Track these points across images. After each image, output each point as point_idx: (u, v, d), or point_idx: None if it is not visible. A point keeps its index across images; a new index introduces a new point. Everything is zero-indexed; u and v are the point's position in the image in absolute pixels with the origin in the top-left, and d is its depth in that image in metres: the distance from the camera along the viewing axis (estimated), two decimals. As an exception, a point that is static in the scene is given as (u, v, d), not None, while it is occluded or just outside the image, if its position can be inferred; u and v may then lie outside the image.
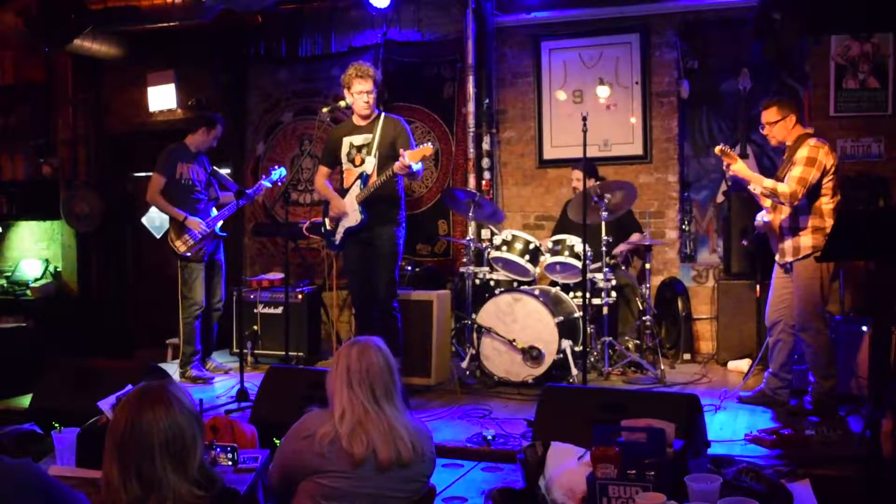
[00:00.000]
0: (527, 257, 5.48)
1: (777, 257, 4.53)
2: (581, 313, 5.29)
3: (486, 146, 6.79)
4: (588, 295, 5.23)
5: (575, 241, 5.41)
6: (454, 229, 6.98)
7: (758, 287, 5.68)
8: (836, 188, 4.31)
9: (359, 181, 4.90)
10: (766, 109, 4.45)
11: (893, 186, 5.91)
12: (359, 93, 4.90)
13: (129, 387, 2.48)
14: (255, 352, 6.21)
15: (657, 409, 3.06)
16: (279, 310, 6.15)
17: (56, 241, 8.12)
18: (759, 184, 4.36)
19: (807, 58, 6.16)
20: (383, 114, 5.02)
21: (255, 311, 6.32)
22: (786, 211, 4.38)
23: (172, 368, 5.70)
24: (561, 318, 5.21)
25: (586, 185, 5.44)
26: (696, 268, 6.49)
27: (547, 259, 5.52)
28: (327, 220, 5.11)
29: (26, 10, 7.00)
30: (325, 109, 5.15)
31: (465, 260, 5.75)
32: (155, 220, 7.56)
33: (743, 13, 6.07)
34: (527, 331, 5.20)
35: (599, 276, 5.40)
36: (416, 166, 4.75)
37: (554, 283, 5.74)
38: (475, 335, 5.40)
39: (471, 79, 6.68)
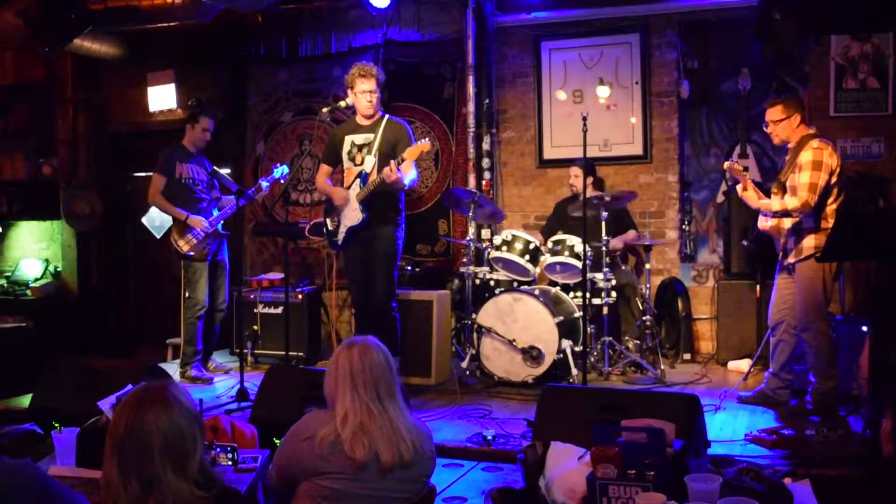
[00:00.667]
0: (527, 257, 5.48)
1: (780, 258, 4.53)
2: (581, 313, 5.29)
3: (486, 146, 6.79)
4: (588, 295, 5.23)
5: (575, 241, 5.42)
6: (454, 229, 6.98)
7: (758, 287, 5.69)
8: (840, 189, 4.31)
9: (358, 180, 4.92)
10: (772, 107, 4.46)
11: (893, 186, 5.91)
12: (362, 92, 4.90)
13: (129, 387, 2.48)
14: (255, 352, 6.21)
15: (657, 409, 3.05)
16: (279, 310, 6.16)
17: (56, 241, 8.12)
18: (768, 209, 4.40)
19: (807, 58, 6.16)
20: (387, 116, 5.03)
21: (255, 311, 6.32)
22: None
23: (172, 368, 5.71)
24: (561, 318, 5.22)
25: (586, 186, 5.43)
26: (696, 268, 6.49)
27: (547, 259, 5.52)
28: (329, 220, 5.12)
29: (26, 10, 7.00)
30: (325, 109, 5.14)
31: (465, 260, 5.76)
32: (155, 220, 7.56)
33: (743, 13, 6.07)
34: (527, 331, 5.20)
35: (599, 276, 5.40)
36: (410, 176, 4.80)
37: (554, 283, 5.74)
38: (475, 335, 5.40)
39: (471, 79, 6.68)
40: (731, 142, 6.30)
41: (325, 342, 6.71)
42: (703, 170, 6.48)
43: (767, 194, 4.53)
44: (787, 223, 4.40)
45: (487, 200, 5.81)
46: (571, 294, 5.66)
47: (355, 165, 4.97)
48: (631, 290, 5.83)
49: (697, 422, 3.19)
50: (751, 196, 4.48)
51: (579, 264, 5.26)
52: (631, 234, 6.04)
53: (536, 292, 5.30)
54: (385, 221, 4.91)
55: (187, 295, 5.65)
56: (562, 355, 5.18)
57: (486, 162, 6.80)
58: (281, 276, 6.29)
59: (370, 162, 4.89)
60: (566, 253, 5.43)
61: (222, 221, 5.74)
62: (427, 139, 4.76)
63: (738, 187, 4.57)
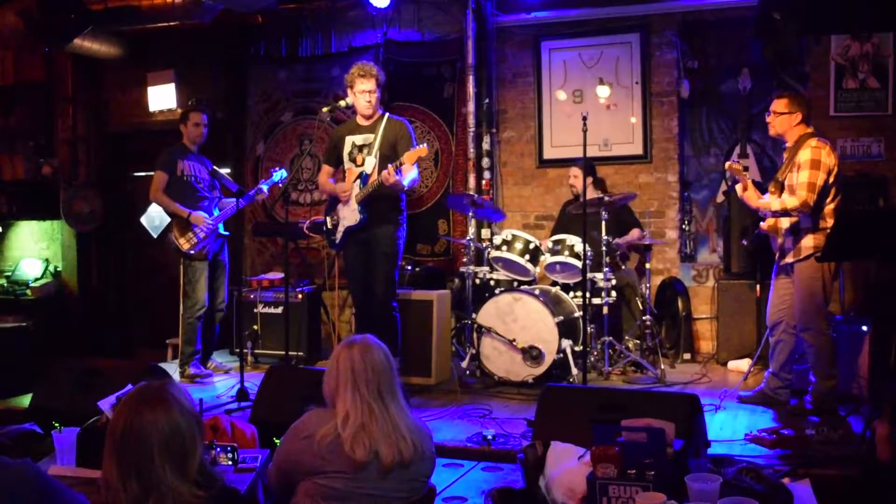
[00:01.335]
0: (527, 257, 5.48)
1: (778, 258, 4.53)
2: (581, 313, 5.29)
3: (486, 146, 6.80)
4: (588, 295, 5.23)
5: (575, 241, 5.42)
6: (454, 229, 6.98)
7: (758, 287, 5.68)
8: (838, 188, 4.31)
9: (358, 181, 4.90)
10: (778, 99, 4.48)
11: (893, 186, 5.92)
12: (361, 92, 4.89)
13: (129, 387, 2.48)
14: (255, 352, 6.21)
15: (657, 409, 3.05)
16: (279, 310, 6.15)
17: (56, 241, 8.12)
18: (767, 209, 4.40)
19: (807, 58, 6.16)
20: (387, 115, 5.01)
21: (255, 310, 6.32)
22: (787, 211, 4.39)
23: (172, 368, 5.70)
24: (561, 317, 5.21)
25: (585, 186, 5.43)
26: (696, 267, 6.50)
27: (547, 259, 5.52)
28: (328, 219, 5.12)
29: (26, 10, 7.00)
30: (325, 109, 5.13)
31: (465, 260, 5.76)
32: (155, 219, 7.56)
33: (743, 13, 6.07)
34: (527, 330, 5.20)
35: (599, 275, 5.40)
36: (410, 176, 4.78)
37: (554, 283, 5.74)
38: (475, 335, 5.40)
39: (471, 79, 6.68)
40: (731, 142, 6.30)
41: (325, 342, 6.71)
42: (703, 170, 6.48)
43: (765, 193, 4.53)
44: (785, 223, 4.40)
45: (487, 202, 5.80)
46: (571, 294, 5.66)
47: (356, 166, 4.96)
48: (631, 290, 5.83)
49: (697, 422, 3.18)
50: (751, 196, 4.50)
51: (579, 264, 5.26)
52: (635, 232, 6.03)
53: (536, 292, 5.30)
54: (385, 222, 4.90)
55: (187, 294, 5.65)
56: (562, 355, 5.18)
57: (486, 162, 6.80)
58: (281, 276, 6.29)
59: (370, 163, 4.88)
60: (566, 253, 5.43)
61: (223, 222, 5.75)
62: (424, 144, 4.73)
63: (738, 187, 4.58)
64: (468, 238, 5.90)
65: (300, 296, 6.28)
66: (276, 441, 2.59)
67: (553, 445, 2.91)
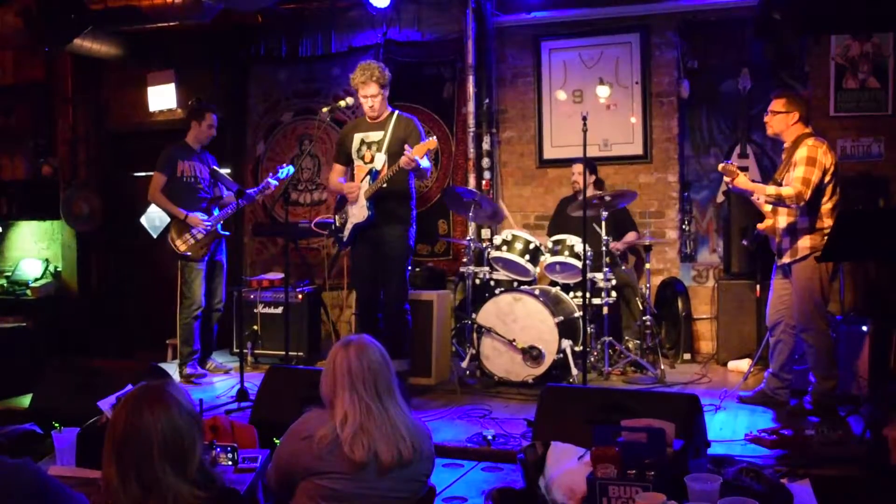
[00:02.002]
0: (527, 257, 5.48)
1: (776, 258, 4.53)
2: (581, 313, 5.29)
3: (486, 146, 6.80)
4: (588, 295, 5.23)
5: (575, 241, 5.42)
6: (454, 229, 6.98)
7: (758, 287, 5.68)
8: (835, 188, 4.30)
9: (368, 177, 4.82)
10: (777, 98, 4.47)
11: (893, 186, 5.91)
12: (364, 97, 4.85)
13: (129, 387, 2.47)
14: (255, 352, 6.21)
15: (657, 409, 3.05)
16: (279, 310, 6.15)
17: (56, 241, 8.12)
18: (762, 193, 4.35)
19: (807, 58, 6.16)
20: (396, 112, 4.95)
21: (255, 311, 6.32)
22: (784, 213, 4.38)
23: (172, 368, 5.71)
24: (561, 317, 5.21)
25: (586, 185, 5.44)
26: (696, 268, 6.49)
27: (547, 259, 5.52)
28: (337, 217, 5.05)
29: (26, 10, 7.00)
30: (325, 109, 5.13)
31: (465, 260, 5.75)
32: (155, 219, 7.56)
33: (743, 13, 6.08)
34: (527, 331, 5.20)
35: (599, 276, 5.40)
36: (424, 163, 4.69)
37: (554, 283, 5.74)
38: (475, 335, 5.40)
39: (471, 79, 6.68)
40: (731, 142, 6.30)
41: (325, 342, 6.71)
42: (703, 170, 6.48)
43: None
44: (783, 222, 4.39)
45: (488, 200, 5.80)
46: (571, 294, 5.66)
47: (365, 163, 4.89)
48: (631, 290, 5.84)
49: (697, 422, 3.18)
50: (742, 181, 4.38)
51: (579, 264, 5.26)
52: (631, 235, 6.05)
53: (536, 292, 5.30)
54: (394, 220, 4.83)
55: (183, 294, 5.65)
56: (562, 355, 5.18)
57: (486, 162, 6.80)
58: (281, 276, 6.29)
59: (380, 159, 4.81)
60: (566, 253, 5.43)
61: (222, 222, 5.74)
62: (433, 136, 4.70)
63: (727, 179, 4.49)
64: (468, 238, 5.90)
65: (300, 296, 6.27)
66: (276, 441, 2.59)
67: (553, 446, 2.91)
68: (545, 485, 2.76)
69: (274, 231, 7.29)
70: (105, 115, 8.10)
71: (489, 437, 3.98)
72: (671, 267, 6.52)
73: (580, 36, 6.69)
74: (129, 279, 8.08)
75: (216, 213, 5.72)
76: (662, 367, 5.40)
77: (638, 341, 5.75)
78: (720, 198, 6.36)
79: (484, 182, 6.79)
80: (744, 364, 5.54)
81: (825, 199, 4.28)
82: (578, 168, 5.97)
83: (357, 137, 4.96)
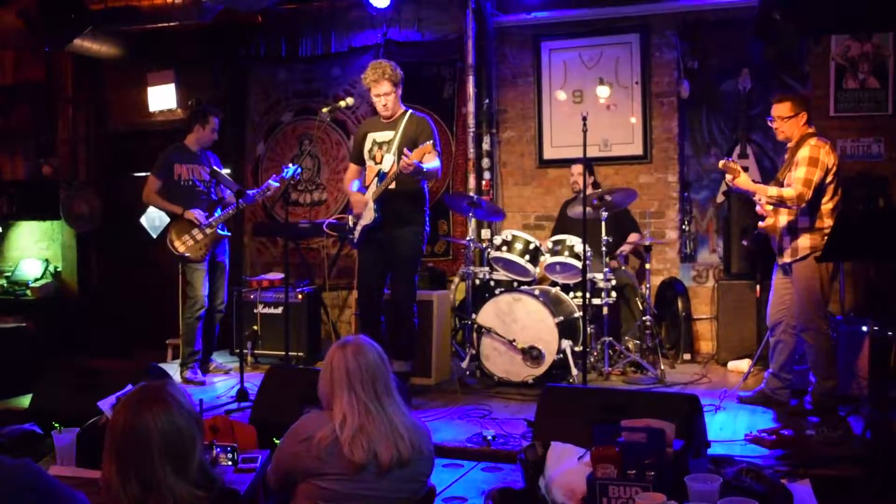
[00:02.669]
0: (527, 257, 5.48)
1: (777, 257, 4.53)
2: (581, 313, 5.29)
3: (486, 146, 6.80)
4: (588, 295, 5.22)
5: (575, 241, 5.41)
6: (454, 229, 6.98)
7: (758, 287, 5.68)
8: (837, 188, 4.30)
9: (376, 179, 4.77)
10: (779, 103, 4.43)
11: (893, 186, 5.92)
12: (376, 96, 4.80)
13: (129, 387, 2.47)
14: (255, 352, 6.20)
15: (657, 409, 3.05)
16: (279, 310, 6.15)
17: (56, 241, 8.12)
18: (763, 194, 4.35)
19: (807, 58, 6.17)
20: (410, 111, 4.89)
21: (255, 311, 6.32)
22: (785, 212, 4.38)
23: (172, 368, 5.70)
24: (561, 318, 5.21)
25: (586, 185, 5.43)
26: (696, 268, 6.50)
27: (547, 259, 5.52)
28: (351, 217, 4.99)
29: (26, 10, 7.00)
30: (325, 109, 5.11)
31: (465, 260, 5.75)
32: (155, 219, 7.56)
33: (743, 13, 6.08)
34: (527, 331, 5.20)
35: (599, 276, 5.40)
36: (430, 165, 4.59)
37: (554, 283, 5.74)
38: (475, 335, 5.40)
39: (471, 79, 6.68)
40: (731, 142, 6.30)
41: (325, 342, 6.70)
42: (703, 170, 6.49)
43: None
44: (783, 220, 4.39)
45: (489, 205, 5.79)
46: (571, 294, 5.66)
47: (375, 164, 4.83)
48: (631, 291, 5.84)
49: (697, 422, 3.18)
50: (743, 181, 4.39)
51: (579, 264, 5.26)
52: (633, 236, 6.04)
53: (536, 292, 5.30)
54: (404, 222, 4.75)
55: (186, 295, 5.64)
56: (562, 355, 5.18)
57: (486, 162, 6.80)
58: (281, 276, 6.29)
59: (388, 161, 4.74)
60: (566, 253, 5.43)
61: (223, 222, 5.72)
62: (430, 141, 4.61)
63: (728, 177, 4.49)
64: (468, 238, 5.90)
65: (300, 296, 6.27)
66: (276, 441, 2.59)
67: (553, 446, 2.91)
68: (545, 485, 2.76)
69: (274, 231, 7.29)
70: (105, 115, 8.10)
71: (489, 437, 3.97)
72: (671, 267, 6.52)
73: (580, 36, 6.69)
74: (129, 279, 8.08)
75: (218, 213, 5.70)
76: (662, 367, 5.40)
77: (638, 341, 5.75)
78: (720, 198, 6.37)
79: (484, 182, 6.79)
80: (744, 364, 5.54)
81: (826, 199, 4.28)
82: (578, 169, 5.97)
83: (370, 137, 4.91)
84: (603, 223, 5.34)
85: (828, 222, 4.23)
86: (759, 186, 4.42)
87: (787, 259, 4.40)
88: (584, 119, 4.88)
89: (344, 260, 7.13)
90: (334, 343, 2.46)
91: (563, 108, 6.74)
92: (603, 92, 6.57)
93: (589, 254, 5.22)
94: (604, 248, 5.37)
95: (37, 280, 7.91)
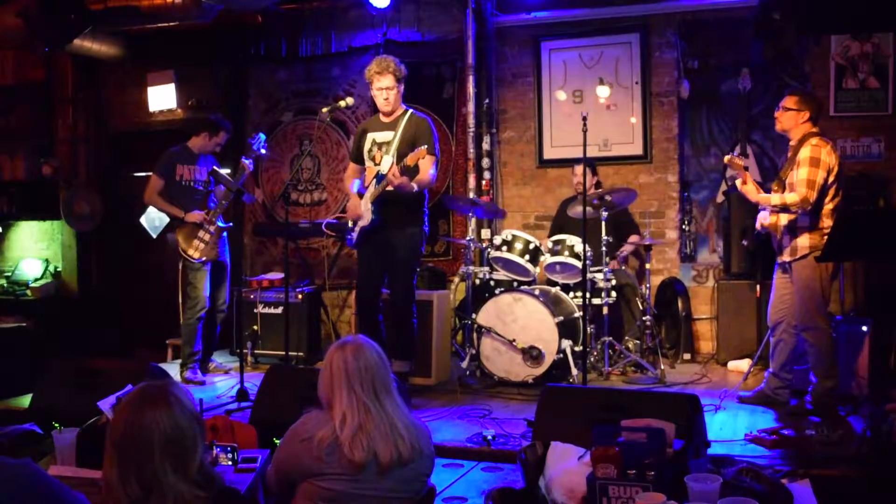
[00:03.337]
0: (527, 257, 5.48)
1: (777, 256, 4.53)
2: (581, 313, 5.29)
3: (486, 146, 6.80)
4: (588, 295, 5.22)
5: (575, 241, 5.42)
6: (454, 229, 6.98)
7: (758, 287, 5.68)
8: (838, 188, 4.30)
9: (374, 180, 4.76)
10: (790, 95, 4.50)
11: (893, 186, 5.92)
12: (378, 89, 4.76)
13: (129, 387, 2.48)
14: (255, 352, 6.21)
15: (657, 409, 3.05)
16: (279, 310, 6.15)
17: (56, 241, 8.12)
18: (767, 203, 4.39)
19: (807, 58, 6.17)
20: (410, 111, 4.86)
21: (255, 311, 6.32)
22: (787, 210, 4.39)
23: (173, 369, 5.70)
24: (561, 318, 5.21)
25: (586, 184, 5.43)
26: (696, 268, 6.50)
27: (547, 259, 5.52)
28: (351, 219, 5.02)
29: (26, 10, 7.00)
30: (325, 110, 5.11)
31: (465, 260, 5.75)
32: (154, 219, 7.56)
33: (743, 13, 6.08)
34: (527, 331, 5.20)
35: (599, 276, 5.40)
36: (424, 177, 4.62)
37: (554, 283, 5.74)
38: (475, 335, 5.40)
39: (471, 79, 6.68)
40: (731, 142, 6.30)
41: (325, 342, 6.71)
42: (703, 170, 6.49)
43: (767, 193, 4.52)
44: (784, 220, 4.39)
45: (487, 208, 5.79)
46: (571, 294, 5.66)
47: (374, 164, 4.81)
48: (631, 290, 5.83)
49: (697, 422, 3.18)
50: (750, 189, 4.47)
51: (579, 264, 5.26)
52: (634, 238, 6.03)
53: (536, 292, 5.30)
54: (402, 223, 4.74)
55: (188, 295, 5.64)
56: (562, 355, 5.18)
57: (486, 162, 6.80)
58: (281, 276, 6.29)
59: (387, 162, 4.71)
60: (566, 253, 5.43)
61: (221, 214, 5.70)
62: (425, 146, 4.57)
63: (738, 181, 4.56)
64: (468, 238, 5.90)
65: (300, 296, 6.27)
66: (276, 441, 2.59)
67: (553, 446, 2.91)
68: (545, 485, 2.76)
69: (274, 231, 7.29)
70: (105, 115, 8.10)
71: (489, 437, 3.97)
72: (671, 267, 6.52)
73: (580, 36, 6.69)
74: (129, 279, 8.08)
75: (212, 206, 5.68)
76: (662, 367, 5.40)
77: (638, 341, 5.75)
78: (720, 198, 6.36)
79: (484, 182, 6.79)
80: (744, 364, 5.54)
81: (827, 199, 4.28)
82: (580, 169, 5.96)
83: (370, 137, 4.89)
84: (603, 223, 5.34)
85: (828, 222, 4.23)
86: (761, 196, 4.44)
87: (786, 258, 4.40)
88: (584, 119, 4.89)
89: (344, 260, 7.13)
90: (334, 343, 2.46)
91: (563, 108, 6.74)
92: (603, 92, 6.57)
93: (589, 254, 5.22)
94: (604, 248, 5.37)
95: (37, 280, 7.91)
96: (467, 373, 5.48)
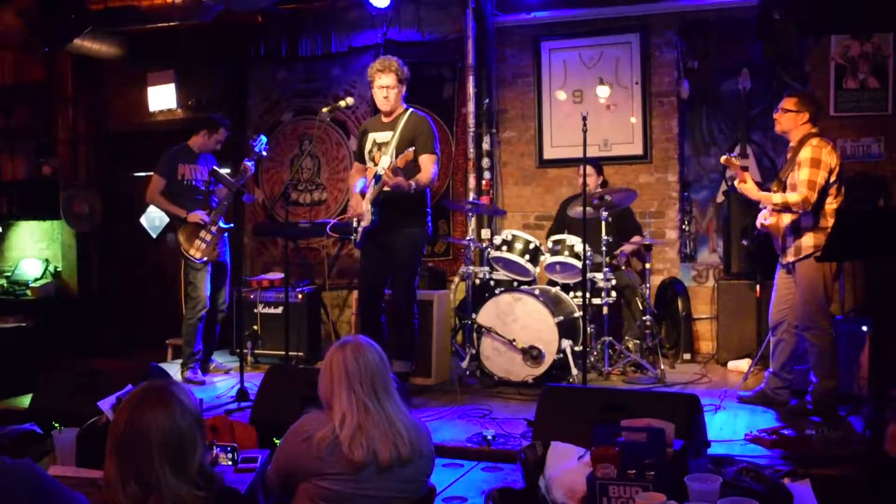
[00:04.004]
0: (527, 257, 5.48)
1: (780, 257, 4.53)
2: (581, 313, 5.29)
3: (486, 146, 6.80)
4: (588, 295, 5.22)
5: (575, 241, 5.42)
6: (454, 229, 6.98)
7: (758, 287, 5.68)
8: (840, 188, 4.30)
9: (373, 181, 4.75)
10: (789, 96, 4.50)
11: (893, 186, 5.92)
12: (379, 87, 4.75)
13: (129, 387, 2.48)
14: (255, 352, 6.21)
15: (657, 409, 3.05)
16: (279, 310, 6.15)
17: (56, 241, 8.12)
18: (768, 202, 4.38)
19: (807, 58, 6.17)
20: (410, 110, 4.86)
21: (255, 311, 6.32)
22: (789, 210, 4.38)
23: (173, 368, 5.70)
24: (561, 317, 5.21)
25: (585, 184, 5.42)
26: (696, 268, 6.50)
27: (547, 259, 5.52)
28: (355, 218, 4.97)
29: (26, 10, 7.00)
30: (325, 109, 5.11)
31: (465, 260, 5.75)
32: (154, 219, 7.57)
33: (743, 13, 6.07)
34: (527, 331, 5.20)
35: (599, 276, 5.40)
36: (424, 177, 4.62)
37: (554, 283, 5.74)
38: (475, 335, 5.40)
39: (471, 79, 6.68)
40: (731, 142, 6.31)
41: (325, 342, 6.71)
42: (703, 170, 6.49)
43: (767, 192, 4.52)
44: (786, 219, 4.39)
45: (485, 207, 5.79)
46: (571, 294, 5.66)
47: (375, 165, 4.81)
48: (631, 290, 5.83)
49: (697, 422, 3.18)
50: (750, 188, 4.45)
51: (579, 264, 5.26)
52: (636, 238, 6.02)
53: (536, 292, 5.30)
54: (403, 225, 4.73)
55: (188, 295, 5.64)
56: (562, 355, 5.18)
57: (486, 162, 6.80)
58: (281, 276, 6.29)
59: (385, 162, 4.71)
60: (566, 253, 5.43)
61: (223, 215, 5.70)
62: (412, 148, 4.57)
63: (736, 181, 4.55)
64: (468, 238, 5.89)
65: (300, 296, 6.28)
66: (276, 441, 2.59)
67: (553, 445, 2.91)
68: (545, 485, 2.76)
69: (274, 231, 7.29)
70: (105, 115, 8.10)
71: (489, 437, 3.97)
72: (671, 267, 6.52)
73: (580, 36, 6.69)
74: (129, 279, 8.08)
75: (213, 206, 5.69)
76: (662, 367, 5.40)
77: (638, 341, 5.75)
78: (720, 198, 6.37)
79: (484, 182, 6.79)
80: (744, 364, 5.54)
81: (829, 199, 4.28)
82: (589, 170, 5.93)
83: (370, 137, 4.90)
84: (603, 223, 5.34)
85: (831, 222, 4.22)
86: (762, 195, 4.43)
87: (790, 258, 4.40)
88: (585, 119, 4.88)
89: (344, 260, 7.13)
90: (334, 343, 2.46)
91: (563, 108, 6.74)
92: (603, 92, 6.57)
93: (590, 253, 5.22)
94: (604, 248, 5.37)
95: (37, 280, 7.91)
96: (467, 373, 5.48)
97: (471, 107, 6.71)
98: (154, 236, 7.51)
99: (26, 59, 7.98)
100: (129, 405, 1.85)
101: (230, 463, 2.63)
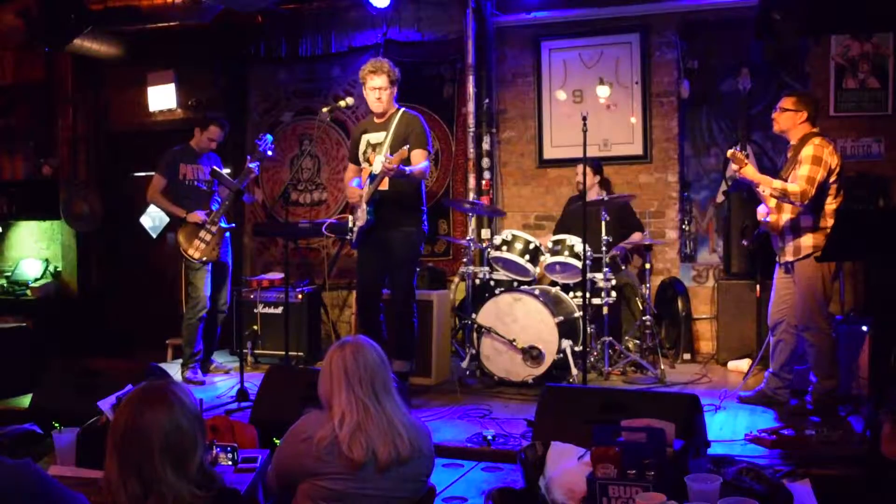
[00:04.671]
0: (527, 257, 5.48)
1: (778, 257, 4.53)
2: (581, 313, 5.29)
3: (486, 146, 6.79)
4: (588, 295, 5.22)
5: (575, 241, 5.41)
6: (454, 229, 6.98)
7: (758, 287, 5.68)
8: (840, 188, 4.30)
9: (368, 181, 4.76)
10: (788, 96, 4.50)
11: (893, 186, 5.92)
12: (371, 89, 4.78)
13: (129, 387, 2.47)
14: (255, 352, 6.21)
15: (657, 409, 3.05)
16: (279, 310, 6.15)
17: (56, 241, 8.12)
18: (768, 185, 4.35)
19: (807, 58, 6.17)
20: (402, 109, 4.87)
21: (255, 310, 6.32)
22: (788, 210, 4.38)
23: (173, 369, 5.70)
24: (561, 317, 5.21)
25: (585, 184, 5.43)
26: (696, 268, 6.50)
27: (547, 259, 5.52)
28: (351, 218, 4.98)
29: (26, 10, 7.01)
30: (325, 109, 5.11)
31: (465, 260, 5.75)
32: (154, 219, 7.56)
33: (743, 13, 6.07)
34: (527, 331, 5.20)
35: (599, 276, 5.40)
36: (418, 166, 4.63)
37: (554, 283, 5.74)
38: (475, 335, 5.40)
39: (471, 79, 6.68)
40: (731, 142, 6.30)
41: (325, 342, 6.71)
42: (703, 170, 6.49)
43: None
44: (786, 219, 4.39)
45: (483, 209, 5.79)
46: (571, 294, 5.66)
47: (369, 165, 4.82)
48: (631, 290, 5.84)
49: (697, 422, 3.19)
50: (749, 171, 4.39)
51: (579, 264, 5.26)
52: (636, 236, 6.02)
53: (536, 292, 5.30)
54: (398, 224, 4.75)
55: (189, 295, 5.64)
56: (562, 355, 5.18)
57: (486, 162, 6.80)
58: (281, 276, 6.29)
59: (379, 162, 4.70)
60: (566, 253, 5.43)
61: (223, 214, 5.70)
62: (406, 146, 4.56)
63: (733, 166, 4.49)
64: (468, 238, 5.89)
65: (300, 296, 6.27)
66: (276, 441, 2.59)
67: (553, 446, 2.91)
68: (545, 485, 2.76)
69: (274, 231, 7.29)
70: (105, 115, 8.10)
71: (489, 437, 3.97)
72: (671, 267, 6.52)
73: (580, 36, 6.69)
74: (129, 279, 8.08)
75: (214, 207, 5.69)
76: (662, 367, 5.40)
77: (638, 341, 5.75)
78: (720, 198, 6.37)
79: (484, 182, 6.79)
80: (744, 364, 5.54)
81: (829, 199, 4.29)
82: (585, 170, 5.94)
83: (364, 139, 4.91)
84: (603, 223, 5.34)
85: (831, 222, 4.22)
86: (763, 178, 4.41)
87: (789, 258, 4.40)
88: (585, 119, 4.89)
89: (344, 260, 7.13)
90: (334, 343, 2.46)
91: (563, 108, 6.74)
92: (603, 92, 6.57)
93: (590, 254, 5.22)
94: (604, 248, 5.37)
95: (37, 280, 7.91)
96: (467, 373, 5.48)
97: (471, 107, 6.71)
98: (154, 236, 7.50)
99: (26, 59, 7.98)
100: (130, 405, 1.85)
101: (230, 463, 2.63)
